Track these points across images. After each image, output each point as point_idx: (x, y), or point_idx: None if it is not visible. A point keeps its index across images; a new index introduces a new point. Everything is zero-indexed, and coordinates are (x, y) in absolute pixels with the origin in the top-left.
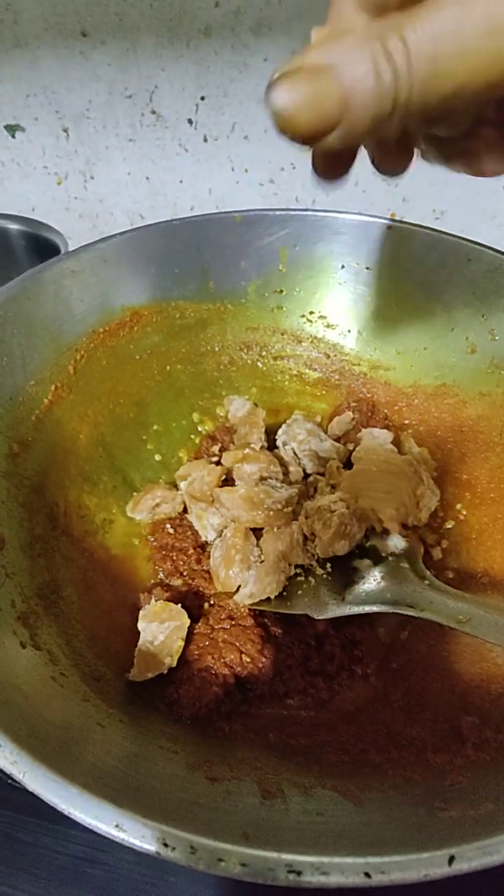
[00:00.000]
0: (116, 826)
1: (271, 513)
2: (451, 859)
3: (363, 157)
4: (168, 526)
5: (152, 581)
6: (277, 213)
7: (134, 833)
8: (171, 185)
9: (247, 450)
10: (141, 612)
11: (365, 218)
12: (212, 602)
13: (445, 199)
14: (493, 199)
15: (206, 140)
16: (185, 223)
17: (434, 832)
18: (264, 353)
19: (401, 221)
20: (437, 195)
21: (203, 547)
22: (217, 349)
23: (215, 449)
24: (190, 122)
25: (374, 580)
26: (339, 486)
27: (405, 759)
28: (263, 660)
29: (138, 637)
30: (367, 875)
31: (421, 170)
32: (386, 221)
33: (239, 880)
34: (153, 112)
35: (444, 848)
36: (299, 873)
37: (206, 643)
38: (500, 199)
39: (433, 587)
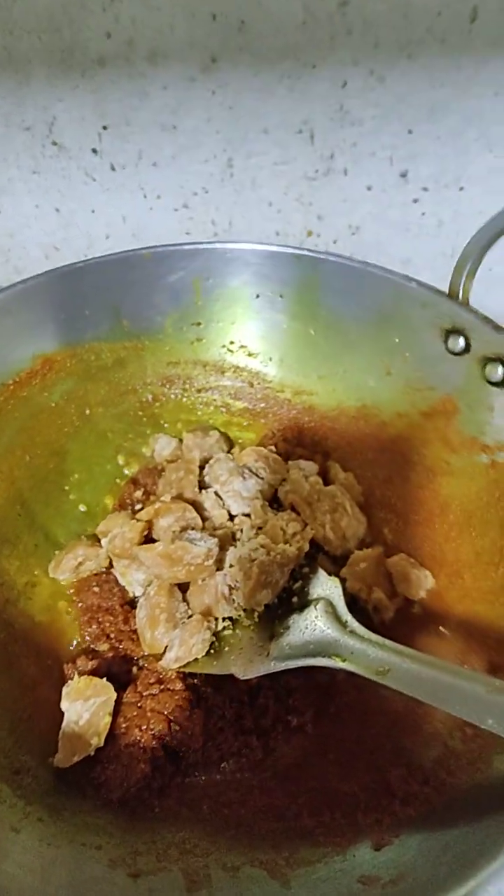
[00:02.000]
0: None
1: (192, 567)
2: None
3: (276, 179)
4: (94, 584)
5: (78, 647)
6: (186, 247)
7: None
8: (82, 214)
9: (157, 504)
10: (64, 690)
11: (273, 248)
12: (140, 665)
13: (359, 215)
14: (405, 212)
15: (113, 168)
16: (91, 265)
17: None
18: (187, 386)
19: (308, 249)
20: (351, 211)
21: (132, 603)
22: (138, 387)
23: (138, 494)
24: (94, 151)
25: (298, 630)
26: (265, 528)
27: (336, 822)
28: (193, 726)
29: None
30: None
31: (334, 186)
32: (293, 251)
33: None
34: (54, 143)
35: None
36: None
37: (134, 713)
38: (411, 211)
39: (355, 634)
